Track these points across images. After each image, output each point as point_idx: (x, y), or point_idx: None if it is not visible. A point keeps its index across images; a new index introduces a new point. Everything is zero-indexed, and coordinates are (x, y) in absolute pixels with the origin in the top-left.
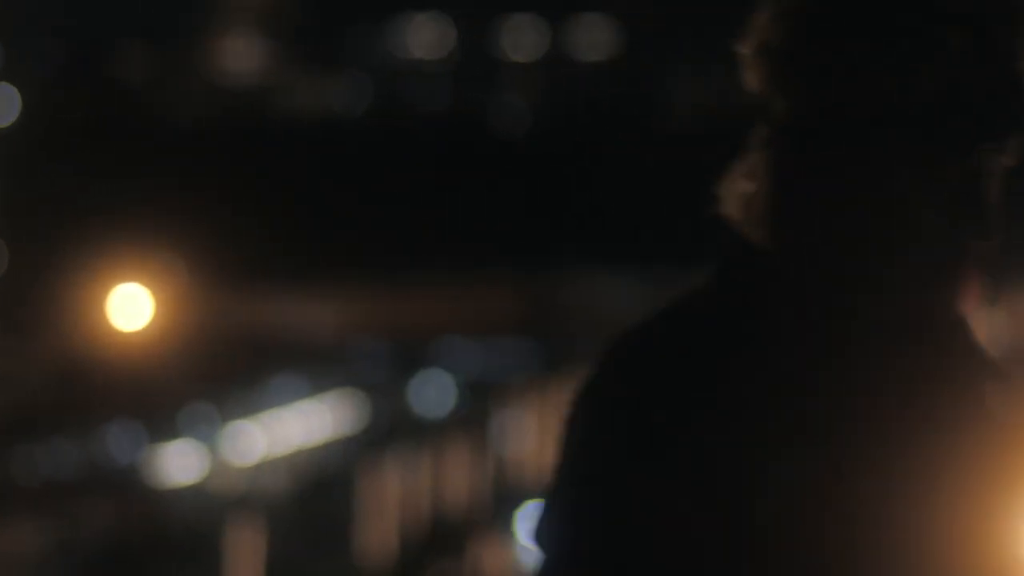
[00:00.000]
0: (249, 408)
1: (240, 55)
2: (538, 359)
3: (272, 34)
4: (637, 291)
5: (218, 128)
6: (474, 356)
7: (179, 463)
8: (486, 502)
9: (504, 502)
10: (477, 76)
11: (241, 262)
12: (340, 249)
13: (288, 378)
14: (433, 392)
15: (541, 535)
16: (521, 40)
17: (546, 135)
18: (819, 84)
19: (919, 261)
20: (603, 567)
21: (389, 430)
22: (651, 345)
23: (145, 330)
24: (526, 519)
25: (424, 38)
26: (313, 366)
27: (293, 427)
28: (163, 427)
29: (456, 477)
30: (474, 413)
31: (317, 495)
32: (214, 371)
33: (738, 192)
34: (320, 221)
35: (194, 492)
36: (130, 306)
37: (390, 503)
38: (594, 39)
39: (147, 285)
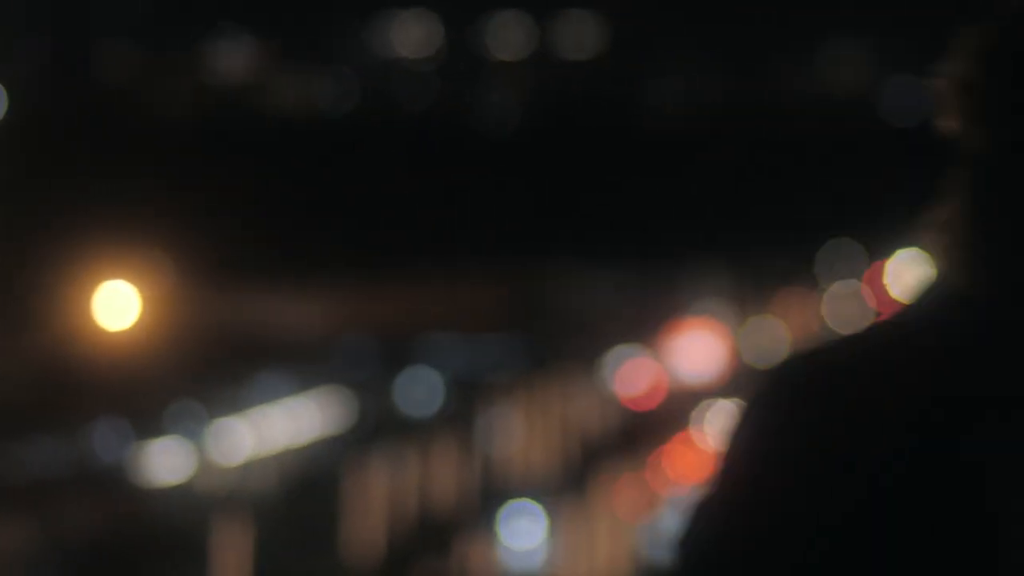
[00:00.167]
0: (235, 406)
1: (226, 53)
2: (525, 356)
3: (258, 32)
4: (624, 289)
5: (203, 125)
6: (461, 353)
7: (166, 461)
8: (473, 501)
9: (491, 501)
10: (463, 73)
11: (227, 259)
12: (327, 246)
13: (274, 376)
14: (420, 390)
15: (698, 542)
16: (507, 37)
17: (533, 132)
18: (1020, 120)
19: None
20: None
21: (375, 428)
22: (846, 368)
23: (131, 328)
24: (510, 518)
25: (410, 36)
26: (299, 363)
27: (279, 425)
28: (150, 425)
29: (443, 475)
30: (461, 411)
31: (304, 494)
32: (200, 368)
33: (936, 227)
34: (306, 218)
35: (181, 490)
36: (116, 303)
37: (376, 502)
38: (581, 36)
39: (133, 282)
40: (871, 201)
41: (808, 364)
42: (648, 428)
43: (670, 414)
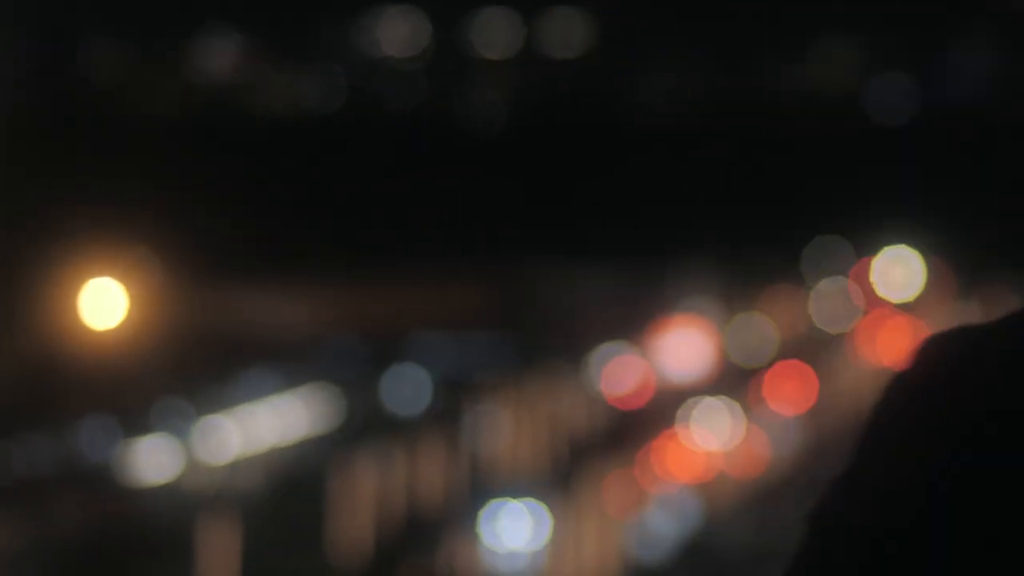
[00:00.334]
0: (222, 404)
1: (213, 51)
2: (513, 354)
3: (245, 30)
4: (612, 286)
5: (189, 124)
6: (448, 351)
7: (153, 459)
8: (460, 499)
9: (478, 500)
10: (450, 71)
11: (214, 257)
12: (314, 244)
13: (261, 374)
14: (407, 388)
15: (834, 516)
16: (494, 35)
17: (521, 130)
18: None
19: None
20: None
21: (363, 427)
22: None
23: (118, 326)
24: (498, 517)
25: (397, 33)
26: (286, 362)
27: (266, 423)
28: (136, 423)
29: (430, 474)
30: (448, 410)
31: (291, 493)
32: (187, 366)
33: None
34: (294, 216)
35: (168, 489)
36: (103, 302)
37: (364, 501)
38: (569, 34)
39: (120, 280)
40: (858, 198)
41: (943, 345)
42: (636, 426)
43: (658, 412)
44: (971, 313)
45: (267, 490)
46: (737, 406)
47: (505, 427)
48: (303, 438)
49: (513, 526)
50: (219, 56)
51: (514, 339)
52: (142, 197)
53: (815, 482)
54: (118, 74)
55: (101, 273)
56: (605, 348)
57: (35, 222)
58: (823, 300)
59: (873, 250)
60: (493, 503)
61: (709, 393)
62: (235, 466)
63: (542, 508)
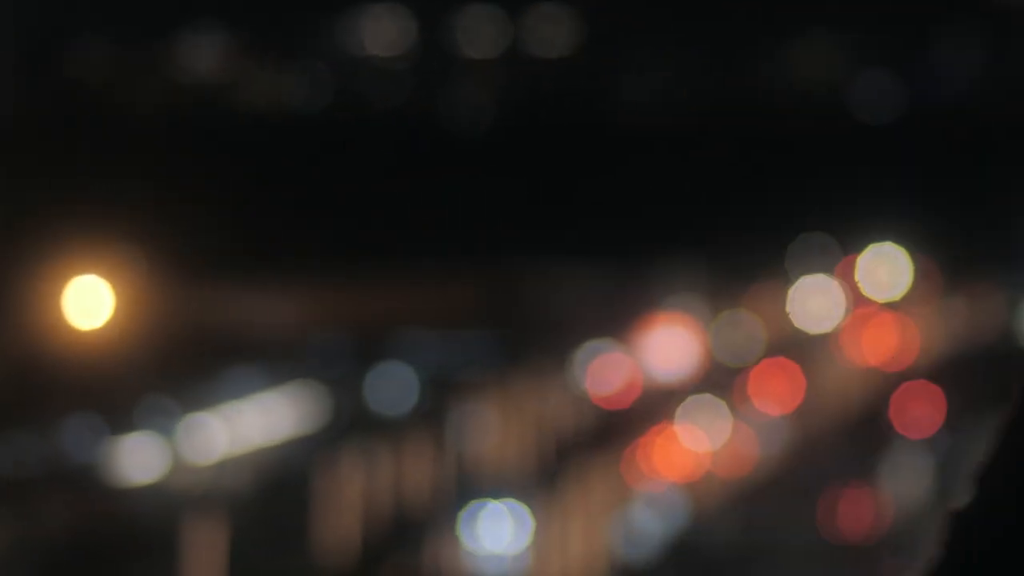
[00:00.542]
0: (207, 402)
1: (199, 50)
2: (499, 352)
3: (231, 29)
4: (598, 284)
5: (175, 122)
6: (434, 349)
7: (139, 458)
8: (446, 498)
9: (464, 499)
10: (436, 70)
11: (200, 255)
12: (300, 243)
13: (246, 372)
14: (393, 387)
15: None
16: (480, 33)
17: (507, 128)
18: None
19: None
20: None
21: (349, 426)
22: None
23: (104, 324)
24: (483, 517)
25: (382, 32)
26: (272, 360)
27: (252, 422)
28: (122, 421)
29: (416, 473)
30: (434, 408)
31: (277, 492)
32: (173, 365)
33: None
34: (280, 215)
35: (154, 488)
36: (89, 300)
37: (350, 500)
38: (555, 32)
39: (106, 279)
40: (844, 195)
41: None
42: (622, 424)
43: (643, 410)
44: (957, 310)
45: (253, 490)
46: (723, 404)
47: (491, 426)
48: (289, 437)
49: (498, 527)
50: (205, 55)
51: (500, 337)
52: (128, 196)
53: (801, 481)
54: (103, 73)
55: (87, 271)
56: (591, 346)
57: (21, 220)
58: (807, 298)
59: (859, 247)
60: (478, 503)
61: (695, 391)
62: (221, 465)
63: (527, 509)
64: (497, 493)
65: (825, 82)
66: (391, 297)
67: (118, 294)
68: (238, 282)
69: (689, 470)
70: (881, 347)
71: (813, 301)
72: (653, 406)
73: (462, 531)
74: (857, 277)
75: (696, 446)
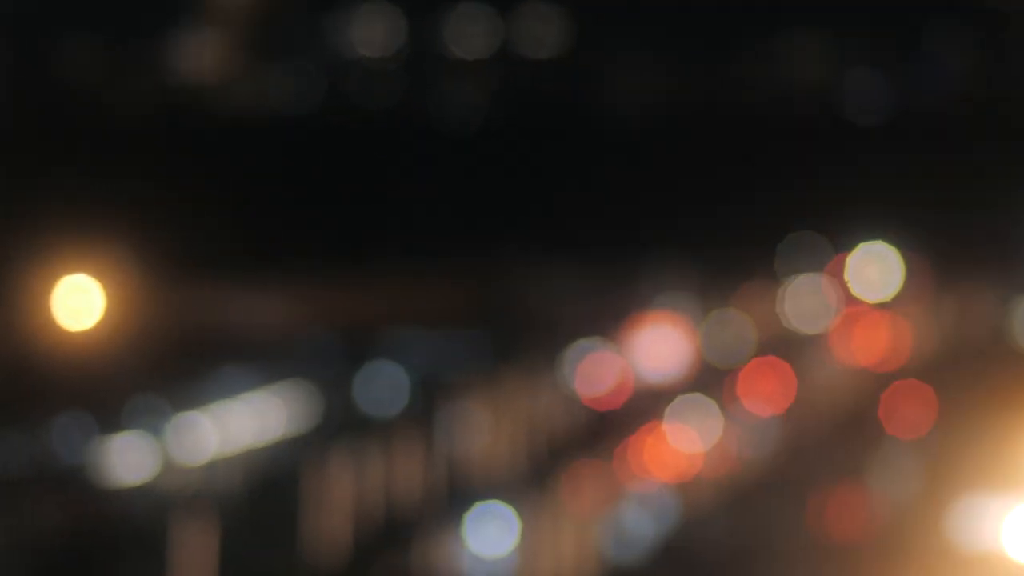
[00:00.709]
0: (197, 402)
1: (189, 50)
2: (489, 351)
3: (220, 29)
4: (588, 283)
5: (164, 123)
6: (424, 348)
7: (128, 458)
8: (437, 498)
9: (455, 498)
10: (426, 70)
11: (191, 255)
12: (291, 243)
13: (236, 371)
14: (384, 386)
15: None
16: (470, 33)
17: (497, 128)
18: None
19: None
20: None
21: (339, 425)
22: None
23: (94, 324)
24: (474, 518)
25: (372, 32)
26: (262, 359)
27: (243, 422)
28: (112, 421)
29: (407, 473)
30: (425, 407)
31: (266, 492)
32: (163, 364)
33: None
34: (271, 214)
35: (143, 488)
36: (78, 300)
37: (340, 500)
38: (544, 32)
39: (96, 279)
40: (834, 194)
41: None
42: (612, 423)
43: (634, 410)
44: (949, 309)
45: (243, 490)
46: (713, 404)
47: (480, 425)
48: (279, 437)
49: (488, 527)
50: (195, 56)
51: (490, 337)
52: (118, 196)
53: (792, 481)
54: (92, 73)
55: (77, 271)
56: (580, 345)
57: (10, 220)
58: (798, 296)
59: (850, 246)
60: (468, 503)
61: (685, 391)
62: (211, 465)
63: (516, 509)
64: (487, 493)
65: (815, 81)
66: (381, 297)
67: (108, 294)
68: (228, 282)
69: (679, 470)
70: (872, 346)
71: (804, 300)
72: (643, 405)
73: (453, 532)
74: (848, 276)
75: (686, 446)
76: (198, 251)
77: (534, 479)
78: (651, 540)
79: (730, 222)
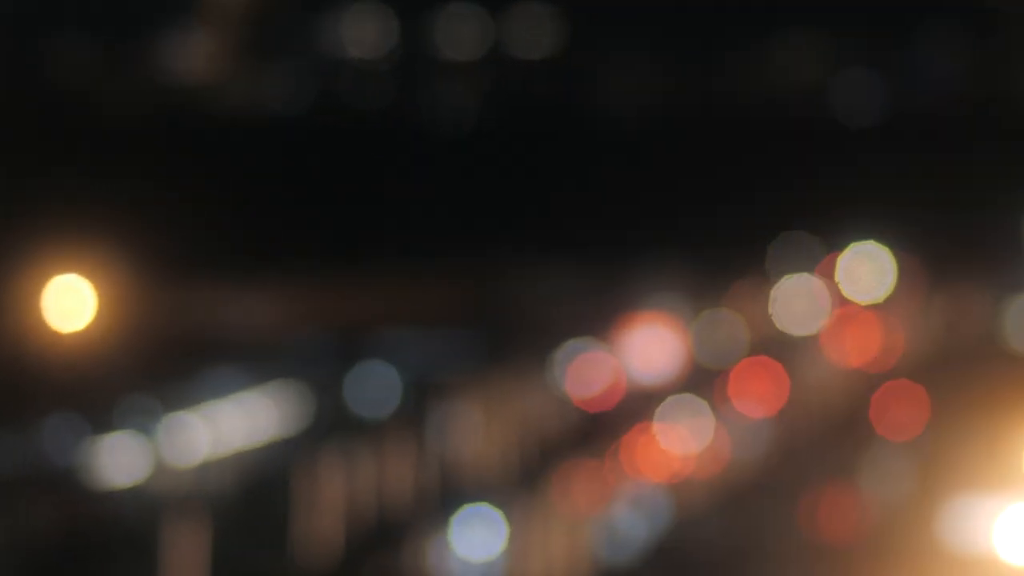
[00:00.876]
0: (189, 402)
1: (181, 51)
2: (481, 352)
3: (214, 29)
4: (579, 283)
5: (156, 123)
6: (416, 348)
7: (120, 458)
8: (428, 499)
9: (446, 498)
10: (418, 71)
11: (182, 255)
12: (283, 243)
13: (228, 371)
14: (375, 386)
15: None
16: (462, 33)
17: (489, 129)
18: None
19: None
20: None
21: (330, 426)
22: None
23: (85, 325)
24: (465, 518)
25: (364, 32)
26: (253, 360)
27: (234, 422)
28: (104, 421)
29: (398, 474)
30: (416, 407)
31: (258, 492)
32: (154, 364)
33: None
34: (262, 215)
35: (135, 489)
36: (69, 300)
37: (330, 501)
38: (536, 32)
39: (87, 279)
40: (826, 195)
41: None
42: (604, 423)
43: (625, 410)
44: (941, 310)
45: (235, 490)
46: (705, 404)
47: (471, 425)
48: (270, 437)
49: (479, 528)
50: (188, 56)
51: (481, 337)
52: (110, 196)
53: (784, 482)
54: (85, 73)
55: (68, 271)
56: (572, 345)
57: (2, 220)
58: (788, 297)
59: (842, 246)
60: (459, 504)
61: (677, 391)
62: (203, 466)
63: (504, 511)
64: (477, 495)
65: (807, 81)
66: (373, 297)
67: (99, 294)
68: (219, 282)
69: (671, 471)
70: (864, 346)
71: (795, 300)
72: (635, 406)
73: (443, 532)
74: (839, 276)
75: (678, 447)
76: (190, 251)
77: (526, 480)
78: (643, 541)
79: (722, 222)
